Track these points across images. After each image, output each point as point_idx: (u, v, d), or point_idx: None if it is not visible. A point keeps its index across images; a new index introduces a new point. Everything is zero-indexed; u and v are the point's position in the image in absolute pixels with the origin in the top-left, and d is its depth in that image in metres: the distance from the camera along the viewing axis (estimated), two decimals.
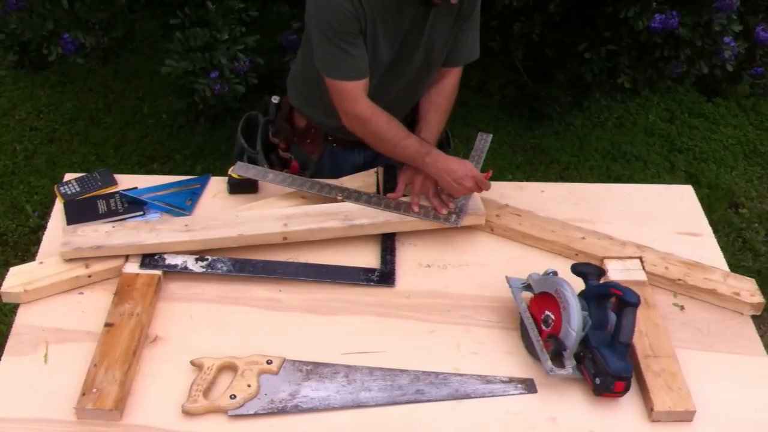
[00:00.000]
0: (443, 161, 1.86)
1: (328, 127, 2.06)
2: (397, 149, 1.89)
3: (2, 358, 1.59)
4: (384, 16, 1.80)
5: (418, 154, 1.87)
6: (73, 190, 1.97)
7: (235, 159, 2.06)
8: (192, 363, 1.56)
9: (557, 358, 1.56)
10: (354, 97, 1.84)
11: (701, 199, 2.10)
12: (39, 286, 1.69)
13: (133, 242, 1.75)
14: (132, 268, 1.74)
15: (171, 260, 1.76)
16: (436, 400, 1.55)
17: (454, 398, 1.55)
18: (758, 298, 1.75)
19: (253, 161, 2.09)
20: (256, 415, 1.49)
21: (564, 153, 3.64)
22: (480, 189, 1.87)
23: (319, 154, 2.10)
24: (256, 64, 2.66)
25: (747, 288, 1.77)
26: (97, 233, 1.77)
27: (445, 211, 1.86)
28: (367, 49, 1.82)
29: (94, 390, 1.48)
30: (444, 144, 2.17)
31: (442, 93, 2.02)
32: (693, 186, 2.14)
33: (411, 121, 2.06)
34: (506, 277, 1.72)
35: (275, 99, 2.12)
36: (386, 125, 1.87)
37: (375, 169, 2.02)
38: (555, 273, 1.63)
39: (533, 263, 1.78)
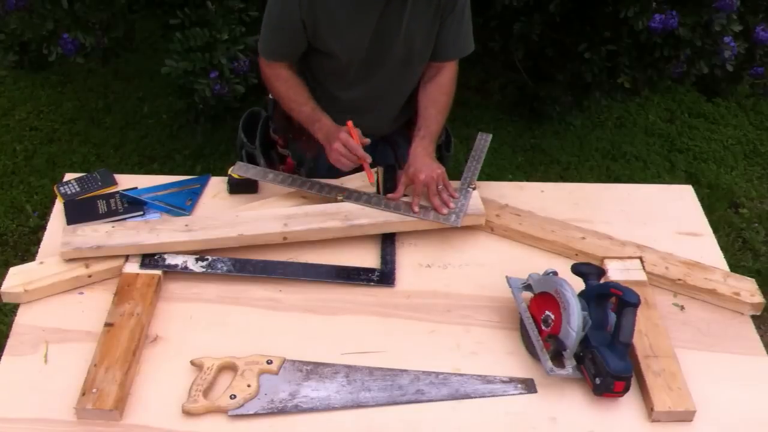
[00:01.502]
0: (327, 128, 1.94)
1: None
2: (293, 112, 2.01)
3: (2, 358, 1.59)
4: (345, 5, 1.84)
5: (309, 119, 1.97)
6: (73, 190, 1.97)
7: (235, 159, 2.06)
8: (192, 363, 1.56)
9: (557, 358, 1.56)
10: (267, 63, 2.01)
11: (701, 199, 2.10)
12: (39, 286, 1.69)
13: (133, 242, 1.75)
14: (132, 268, 1.74)
15: (171, 260, 1.76)
16: (436, 400, 1.54)
17: (454, 398, 1.55)
18: (758, 298, 1.75)
19: (251, 156, 2.10)
20: (256, 415, 1.49)
21: (564, 153, 3.64)
22: (352, 155, 1.89)
23: (315, 153, 2.11)
24: (256, 64, 2.65)
25: (747, 288, 1.77)
26: (97, 233, 1.77)
27: (445, 211, 1.86)
28: (321, 41, 1.90)
29: (94, 390, 1.48)
30: (442, 148, 2.17)
31: (440, 88, 2.02)
32: (693, 186, 2.14)
33: (411, 119, 2.06)
34: (506, 277, 1.72)
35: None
36: (285, 90, 2.00)
37: (375, 170, 2.02)
38: (555, 273, 1.63)
39: (533, 263, 1.78)
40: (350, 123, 1.89)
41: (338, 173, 2.03)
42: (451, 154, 2.20)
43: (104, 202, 1.92)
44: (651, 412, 1.52)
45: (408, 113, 2.11)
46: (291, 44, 1.95)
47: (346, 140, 1.87)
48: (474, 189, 1.93)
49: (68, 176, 2.03)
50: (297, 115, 2.00)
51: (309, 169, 2.12)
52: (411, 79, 2.03)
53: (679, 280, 1.78)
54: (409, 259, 1.84)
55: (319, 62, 1.99)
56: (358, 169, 2.05)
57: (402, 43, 1.92)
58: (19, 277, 1.71)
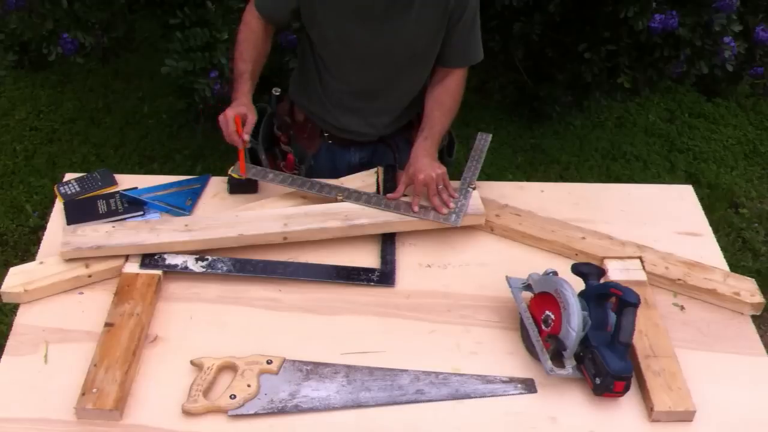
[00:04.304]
0: (234, 99, 1.94)
1: (324, 121, 2.07)
2: (234, 62, 2.01)
3: (2, 358, 1.59)
4: None
5: (236, 79, 1.98)
6: (73, 190, 1.97)
7: (236, 158, 2.06)
8: (192, 363, 1.56)
9: (557, 358, 1.56)
10: (251, 7, 1.98)
11: (701, 199, 2.10)
12: (39, 286, 1.69)
13: (133, 242, 1.75)
14: (132, 268, 1.74)
15: (171, 260, 1.76)
16: (436, 400, 1.55)
17: (454, 398, 1.55)
18: (758, 298, 1.75)
19: (252, 151, 2.10)
20: (256, 415, 1.49)
21: (564, 153, 3.64)
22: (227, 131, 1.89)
23: (316, 150, 2.12)
24: None
25: (747, 288, 1.77)
26: (97, 233, 1.77)
27: (445, 211, 1.86)
28: (316, 23, 1.90)
29: (94, 390, 1.48)
30: (444, 152, 2.15)
31: (446, 91, 2.02)
32: (693, 186, 2.14)
33: (412, 122, 2.06)
34: (506, 277, 1.72)
35: (276, 91, 2.14)
36: (242, 38, 1.98)
37: (375, 169, 2.02)
38: (555, 273, 1.63)
39: (533, 263, 1.78)
40: (238, 118, 1.89)
41: (336, 172, 2.03)
42: (453, 159, 2.19)
43: (104, 202, 1.92)
44: (651, 412, 1.52)
45: (409, 115, 2.10)
46: (274, 2, 1.95)
47: (225, 124, 1.88)
48: (474, 189, 1.93)
49: (68, 176, 2.03)
50: (234, 65, 2.01)
51: (309, 167, 2.12)
52: (413, 79, 2.03)
53: (679, 280, 1.78)
54: (409, 259, 1.84)
55: (316, 46, 1.98)
56: (357, 169, 2.06)
57: (404, 46, 1.92)
58: (19, 277, 1.71)
